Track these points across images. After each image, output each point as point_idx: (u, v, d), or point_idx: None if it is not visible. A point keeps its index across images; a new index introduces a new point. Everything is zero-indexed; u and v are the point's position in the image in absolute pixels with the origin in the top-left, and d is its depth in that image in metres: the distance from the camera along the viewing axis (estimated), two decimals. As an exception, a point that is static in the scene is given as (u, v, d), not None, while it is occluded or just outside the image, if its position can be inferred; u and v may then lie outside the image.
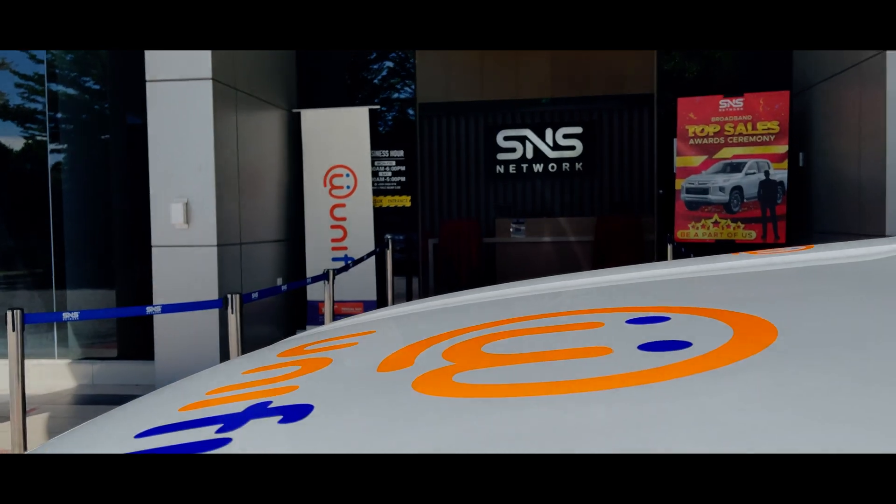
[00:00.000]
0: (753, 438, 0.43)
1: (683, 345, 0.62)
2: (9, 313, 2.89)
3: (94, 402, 4.81)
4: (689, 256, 5.03)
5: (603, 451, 0.45)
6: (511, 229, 7.02)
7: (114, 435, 0.69)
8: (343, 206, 6.10)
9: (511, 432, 0.49)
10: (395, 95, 6.64)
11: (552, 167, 6.96)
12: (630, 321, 0.75)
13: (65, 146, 5.50)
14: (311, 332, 1.15)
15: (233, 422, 0.60)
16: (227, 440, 0.56)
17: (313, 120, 6.08)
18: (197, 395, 0.75)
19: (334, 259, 6.02)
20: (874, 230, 4.30)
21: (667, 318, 0.74)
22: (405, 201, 6.43)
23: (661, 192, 6.24)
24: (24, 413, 2.94)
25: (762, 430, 0.44)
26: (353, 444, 0.53)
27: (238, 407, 0.65)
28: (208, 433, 0.59)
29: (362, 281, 6.00)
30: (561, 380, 0.58)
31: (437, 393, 0.59)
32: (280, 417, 0.59)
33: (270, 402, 0.64)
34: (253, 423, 0.59)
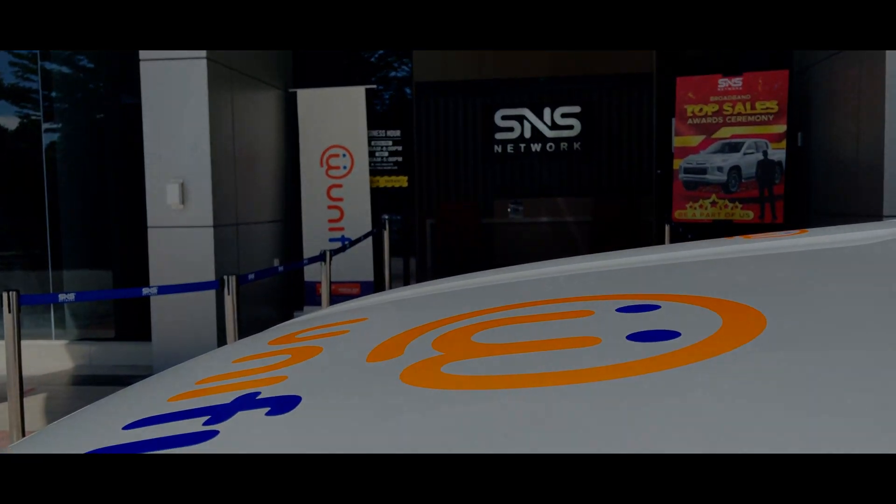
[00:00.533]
0: (731, 434, 0.43)
1: (672, 335, 0.62)
2: (4, 295, 2.89)
3: (92, 382, 4.83)
4: (687, 237, 5.03)
5: (586, 444, 0.45)
6: (509, 210, 7.01)
7: (102, 425, 0.69)
8: (340, 186, 6.08)
9: (496, 426, 0.49)
10: (392, 74, 6.59)
11: (550, 147, 6.93)
12: (620, 309, 0.75)
13: (59, 125, 5.46)
14: (304, 319, 1.15)
15: (220, 414, 0.60)
16: (215, 433, 0.56)
17: (309, 99, 6.04)
18: (187, 385, 0.75)
19: (331, 240, 6.01)
20: (871, 210, 4.30)
21: (657, 307, 0.74)
22: (402, 181, 6.40)
23: (658, 171, 6.23)
24: (22, 394, 2.96)
25: (740, 427, 0.44)
26: (339, 438, 0.53)
27: (226, 398, 0.65)
28: (195, 425, 0.59)
29: (359, 261, 6.00)
30: (548, 371, 0.58)
31: (425, 384, 0.59)
32: (267, 409, 0.59)
33: (259, 394, 0.64)
34: (240, 416, 0.59)
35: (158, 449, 0.56)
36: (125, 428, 0.63)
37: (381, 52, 6.55)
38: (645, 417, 0.47)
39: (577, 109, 6.89)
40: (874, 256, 0.92)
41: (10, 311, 2.88)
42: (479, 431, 0.49)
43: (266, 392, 0.64)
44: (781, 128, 5.24)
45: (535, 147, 6.95)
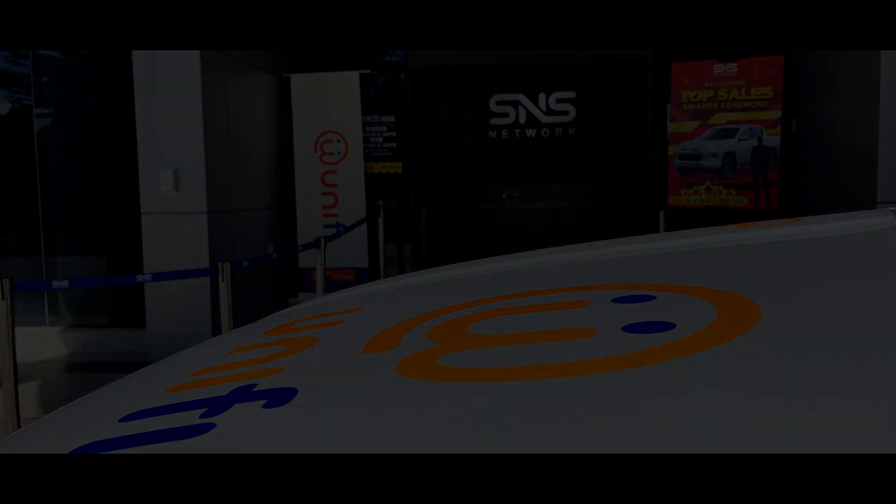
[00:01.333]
0: (726, 427, 0.43)
1: (667, 326, 0.62)
2: (-2, 282, 2.87)
3: (87, 369, 4.82)
4: (682, 224, 5.04)
5: (582, 437, 0.45)
6: (504, 196, 7.00)
7: (100, 417, 0.69)
8: (334, 172, 6.06)
9: (493, 419, 0.50)
10: (387, 59, 6.55)
11: (545, 132, 6.90)
12: (615, 300, 0.75)
13: (51, 111, 5.42)
14: (300, 308, 1.15)
15: (217, 406, 0.60)
16: (212, 425, 0.56)
17: (303, 85, 6.00)
18: (183, 376, 0.75)
19: (326, 226, 6.00)
20: (865, 197, 4.31)
21: (652, 297, 0.74)
22: (397, 167, 6.38)
23: (653, 157, 6.22)
24: (17, 381, 2.95)
25: (734, 420, 0.44)
26: (335, 430, 0.53)
27: (223, 390, 0.65)
28: (192, 418, 0.59)
29: (354, 248, 5.99)
30: (544, 363, 0.58)
31: (421, 377, 0.59)
32: (264, 402, 0.59)
33: (255, 386, 0.64)
34: (237, 408, 0.59)
35: (156, 442, 0.56)
36: (122, 420, 0.63)
37: (375, 36, 6.49)
38: (641, 411, 0.48)
39: (572, 95, 6.85)
40: (869, 246, 0.92)
41: (3, 299, 2.87)
42: (475, 424, 0.49)
43: (262, 384, 0.64)
44: (776, 114, 5.24)
45: (530, 133, 6.92)
